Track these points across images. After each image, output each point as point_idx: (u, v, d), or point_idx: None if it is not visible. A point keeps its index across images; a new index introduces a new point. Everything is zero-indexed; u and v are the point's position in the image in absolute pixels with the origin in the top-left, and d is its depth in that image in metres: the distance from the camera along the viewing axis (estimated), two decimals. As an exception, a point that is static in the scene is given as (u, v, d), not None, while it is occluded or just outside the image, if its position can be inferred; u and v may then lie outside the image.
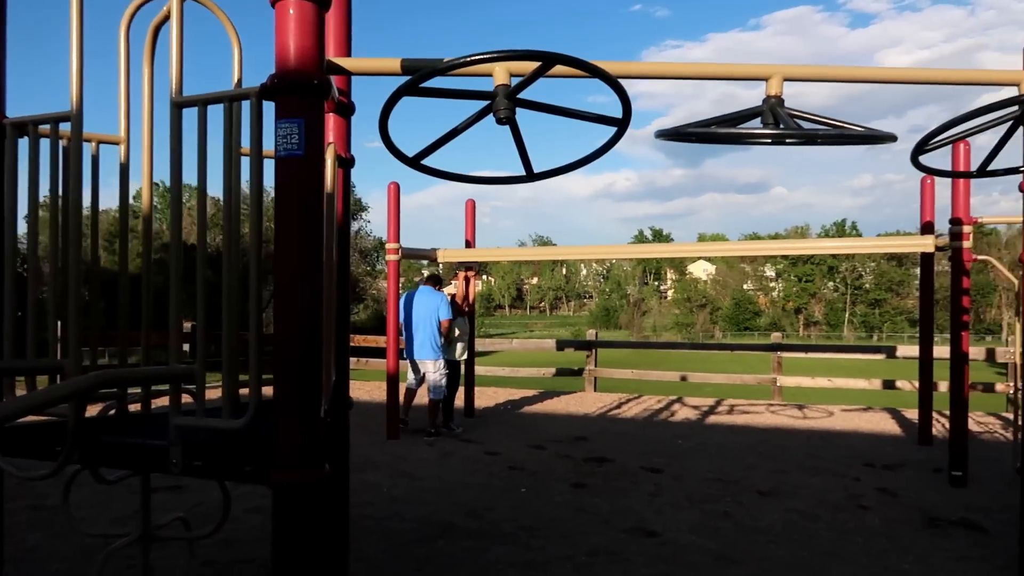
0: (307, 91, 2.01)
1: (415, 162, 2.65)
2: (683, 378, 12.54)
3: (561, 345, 14.02)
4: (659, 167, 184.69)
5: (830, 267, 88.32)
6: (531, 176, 2.73)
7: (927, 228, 8.04)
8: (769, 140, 2.54)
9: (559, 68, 2.36)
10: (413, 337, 8.11)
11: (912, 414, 10.01)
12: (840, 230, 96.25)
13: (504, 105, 2.38)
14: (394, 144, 2.60)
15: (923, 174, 6.67)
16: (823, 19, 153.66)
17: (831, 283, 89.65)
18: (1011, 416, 9.66)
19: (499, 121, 2.45)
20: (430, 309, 8.02)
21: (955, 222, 6.33)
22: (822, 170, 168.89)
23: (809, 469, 6.70)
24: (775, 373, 11.74)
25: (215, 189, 2.25)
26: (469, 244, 9.32)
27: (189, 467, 2.11)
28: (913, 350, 11.75)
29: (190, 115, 2.12)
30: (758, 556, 4.28)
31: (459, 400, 9.78)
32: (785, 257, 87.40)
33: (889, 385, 11.36)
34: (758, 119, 2.84)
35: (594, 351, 12.67)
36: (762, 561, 4.20)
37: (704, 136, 2.80)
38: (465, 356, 8.81)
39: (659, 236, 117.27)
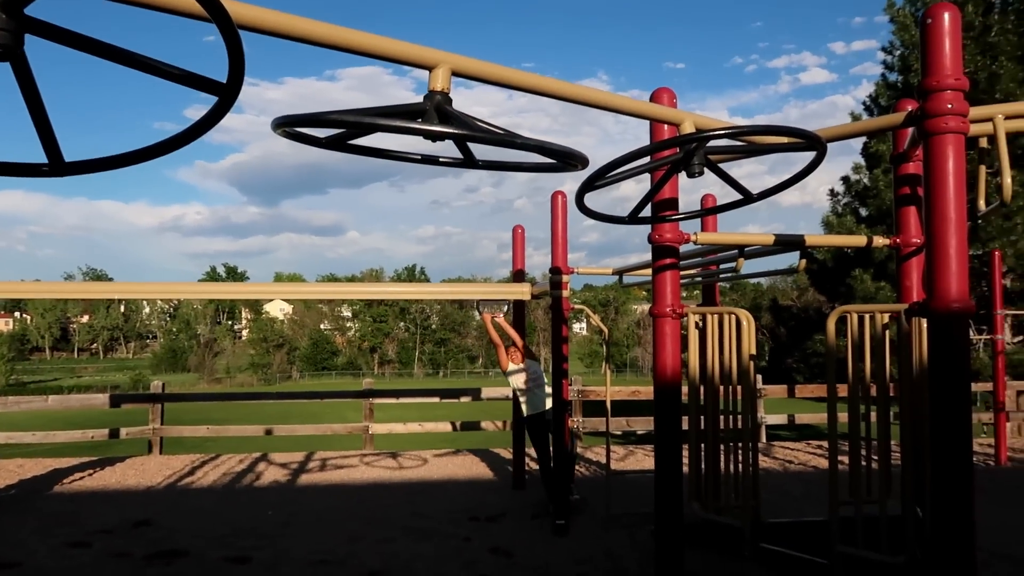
0: None
1: None
2: (268, 431, 11.23)
3: (117, 400, 11.61)
4: (233, 203, 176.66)
5: (402, 308, 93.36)
6: None
7: (519, 276, 8.26)
8: (454, 137, 1.76)
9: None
10: None
11: (497, 451, 10.27)
12: (411, 274, 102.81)
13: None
14: None
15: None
16: (391, 81, 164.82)
17: (403, 323, 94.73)
18: (578, 450, 10.48)
19: None
20: None
21: (555, 271, 6.42)
22: (392, 218, 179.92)
23: (417, 532, 6.11)
24: (367, 421, 11.17)
25: None
26: (-17, 275, 6.94)
27: None
28: (494, 391, 12.31)
29: None
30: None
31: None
32: (362, 299, 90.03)
33: (474, 426, 11.61)
34: (419, 120, 2.03)
35: (160, 405, 10.69)
36: None
37: (352, 126, 1.90)
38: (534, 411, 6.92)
39: (233, 274, 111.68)
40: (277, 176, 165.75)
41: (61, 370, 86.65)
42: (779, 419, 11.97)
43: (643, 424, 11.45)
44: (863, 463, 3.52)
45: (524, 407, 6.99)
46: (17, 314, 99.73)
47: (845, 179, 19.21)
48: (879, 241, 3.82)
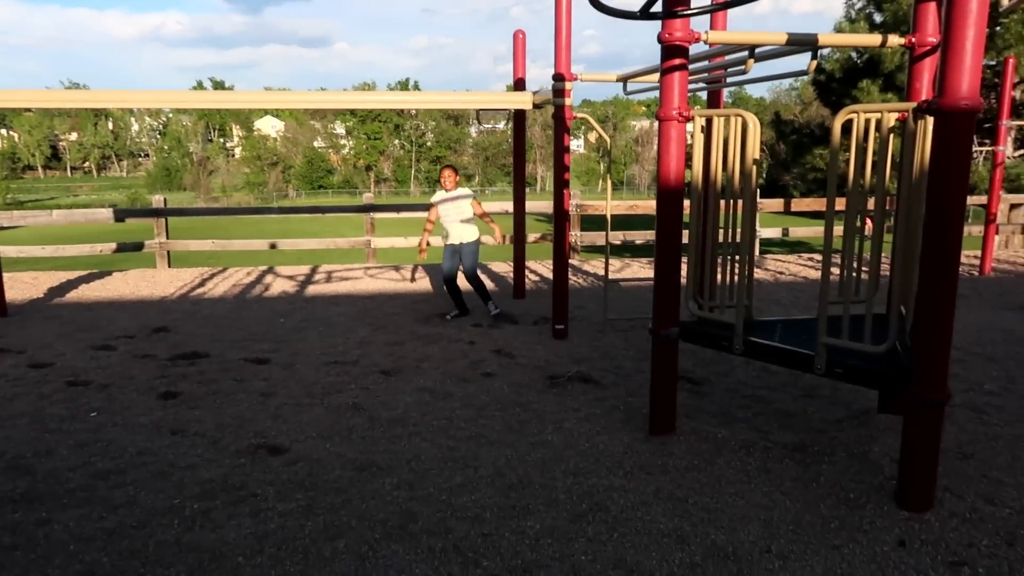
0: None
1: None
2: (273, 245, 11.45)
3: (121, 215, 11.71)
4: (215, 11, 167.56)
5: (396, 125, 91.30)
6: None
7: (519, 85, 8.05)
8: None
9: None
10: None
11: (496, 266, 10.54)
12: (404, 87, 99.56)
13: None
14: None
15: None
16: None
17: (397, 140, 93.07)
18: (576, 262, 10.75)
19: None
20: None
21: (558, 78, 6.25)
22: (382, 27, 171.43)
23: (423, 337, 6.43)
24: (369, 235, 11.35)
25: None
26: (-30, 84, 6.76)
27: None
28: (494, 206, 12.38)
29: None
30: (405, 456, 3.77)
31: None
32: (354, 114, 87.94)
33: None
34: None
35: (164, 220, 10.81)
36: (411, 462, 3.69)
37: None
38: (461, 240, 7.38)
39: (221, 88, 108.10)
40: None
41: (56, 189, 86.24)
42: (773, 232, 12.18)
43: (641, 236, 11.66)
44: (853, 273, 3.66)
45: (452, 234, 7.42)
46: (3, 131, 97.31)
47: (862, -19, 18.19)
48: (893, 40, 3.72)
